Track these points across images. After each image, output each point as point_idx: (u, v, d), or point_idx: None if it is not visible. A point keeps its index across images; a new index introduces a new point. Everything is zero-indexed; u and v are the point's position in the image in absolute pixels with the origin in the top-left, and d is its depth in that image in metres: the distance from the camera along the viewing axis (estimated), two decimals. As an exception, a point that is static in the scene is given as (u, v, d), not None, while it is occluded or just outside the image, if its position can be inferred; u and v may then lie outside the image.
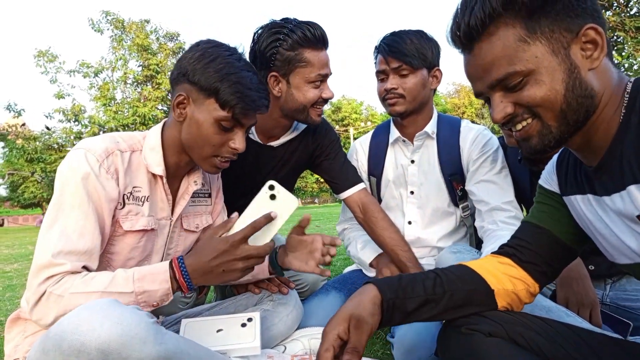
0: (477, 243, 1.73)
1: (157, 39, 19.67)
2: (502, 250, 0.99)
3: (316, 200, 41.78)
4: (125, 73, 19.09)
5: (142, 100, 19.16)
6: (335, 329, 0.83)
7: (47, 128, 19.14)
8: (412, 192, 1.72)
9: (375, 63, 1.68)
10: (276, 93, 1.45)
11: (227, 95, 1.08)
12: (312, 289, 1.82)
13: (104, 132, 17.67)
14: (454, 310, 0.90)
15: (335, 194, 1.72)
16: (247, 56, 1.21)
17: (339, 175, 1.66)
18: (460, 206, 1.69)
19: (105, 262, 1.10)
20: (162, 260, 1.21)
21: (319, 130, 1.66)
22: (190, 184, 1.24)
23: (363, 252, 1.73)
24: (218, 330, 1.23)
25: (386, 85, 1.61)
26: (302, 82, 1.43)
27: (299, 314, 1.46)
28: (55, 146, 19.04)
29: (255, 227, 0.99)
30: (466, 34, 0.78)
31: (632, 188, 0.73)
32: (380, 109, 42.38)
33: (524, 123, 0.79)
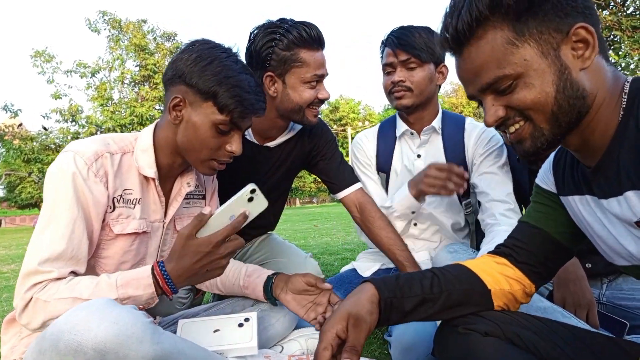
0: (478, 241, 1.74)
1: (155, 38, 19.67)
2: (499, 251, 0.99)
3: (314, 200, 41.86)
4: (122, 73, 19.09)
5: (139, 101, 19.15)
6: (333, 327, 0.82)
7: (44, 128, 19.12)
8: None
9: (381, 57, 1.67)
10: (272, 93, 1.44)
11: (225, 99, 1.07)
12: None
13: (101, 132, 17.66)
14: (451, 310, 0.90)
15: (332, 194, 1.71)
16: (242, 56, 1.20)
17: (336, 176, 1.66)
18: (463, 203, 1.70)
19: (98, 266, 1.09)
20: None
21: (315, 131, 1.66)
22: (183, 185, 1.22)
23: (397, 194, 1.64)
24: (215, 331, 1.22)
25: (393, 78, 1.60)
26: (297, 82, 1.42)
27: (297, 314, 1.46)
28: (53, 146, 19.00)
29: (236, 227, 0.96)
30: (454, 38, 0.78)
31: (630, 194, 0.73)
32: (378, 109, 42.49)
33: (517, 126, 0.78)
